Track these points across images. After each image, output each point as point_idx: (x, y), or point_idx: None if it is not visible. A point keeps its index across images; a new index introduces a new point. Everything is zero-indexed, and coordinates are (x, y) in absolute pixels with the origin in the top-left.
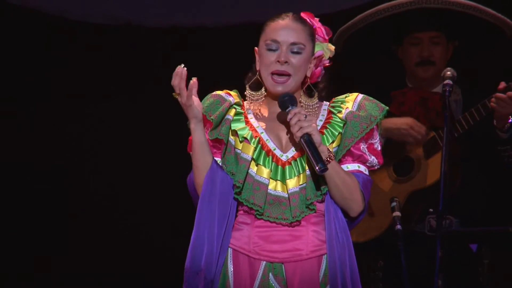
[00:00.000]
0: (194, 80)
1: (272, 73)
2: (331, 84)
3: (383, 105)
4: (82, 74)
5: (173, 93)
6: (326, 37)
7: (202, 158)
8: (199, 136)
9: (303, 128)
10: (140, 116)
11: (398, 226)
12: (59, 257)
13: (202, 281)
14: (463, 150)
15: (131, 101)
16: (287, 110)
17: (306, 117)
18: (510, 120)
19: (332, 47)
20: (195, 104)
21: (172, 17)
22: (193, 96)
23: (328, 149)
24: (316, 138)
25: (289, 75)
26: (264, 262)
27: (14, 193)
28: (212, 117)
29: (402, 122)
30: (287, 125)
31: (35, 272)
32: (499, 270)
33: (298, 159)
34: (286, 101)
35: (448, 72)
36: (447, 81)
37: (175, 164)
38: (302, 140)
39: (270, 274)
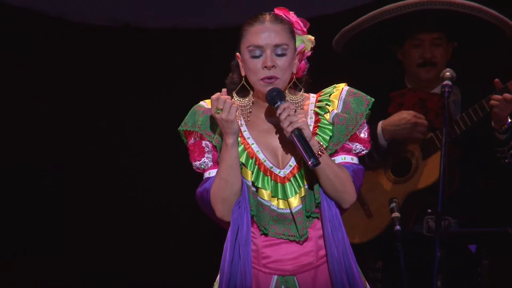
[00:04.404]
0: (224, 90)
1: (262, 79)
2: (313, 77)
3: (368, 98)
4: (81, 76)
5: (216, 109)
6: (304, 29)
7: (236, 172)
8: (236, 151)
9: (293, 123)
10: (139, 117)
11: (397, 227)
12: (57, 257)
13: None
14: (460, 151)
15: (130, 103)
16: (275, 105)
17: (295, 111)
18: (509, 122)
19: (312, 38)
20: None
21: (171, 18)
22: None
23: (318, 143)
24: (307, 132)
25: (277, 78)
26: (276, 276)
27: (14, 193)
28: (214, 142)
29: (402, 120)
30: (281, 133)
31: (34, 272)
32: (498, 271)
33: (297, 175)
34: (274, 97)
35: (447, 73)
36: (446, 82)
37: (175, 166)
38: (292, 135)
39: (283, 287)
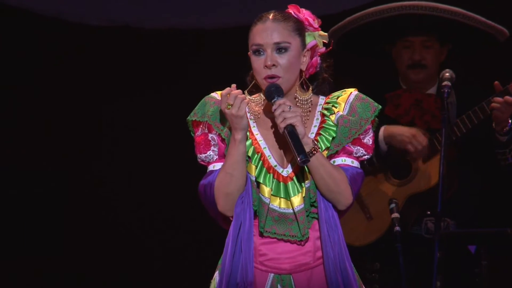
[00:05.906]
0: (234, 85)
1: (264, 78)
2: (331, 78)
3: (376, 104)
4: (80, 76)
5: (227, 105)
6: (316, 26)
7: (242, 168)
8: (243, 147)
9: (287, 119)
10: (137, 117)
11: (397, 228)
12: (56, 257)
13: None
14: (460, 153)
15: (128, 103)
16: (272, 101)
17: (290, 108)
18: (510, 124)
19: (325, 34)
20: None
21: (170, 19)
22: None
23: (313, 141)
24: (300, 129)
25: (279, 77)
26: (272, 274)
27: (14, 193)
28: (223, 134)
29: (406, 130)
30: None
31: (34, 272)
32: (497, 271)
33: (299, 174)
34: (272, 92)
35: (447, 74)
36: (445, 83)
37: (173, 166)
38: (285, 131)
39: (279, 286)
